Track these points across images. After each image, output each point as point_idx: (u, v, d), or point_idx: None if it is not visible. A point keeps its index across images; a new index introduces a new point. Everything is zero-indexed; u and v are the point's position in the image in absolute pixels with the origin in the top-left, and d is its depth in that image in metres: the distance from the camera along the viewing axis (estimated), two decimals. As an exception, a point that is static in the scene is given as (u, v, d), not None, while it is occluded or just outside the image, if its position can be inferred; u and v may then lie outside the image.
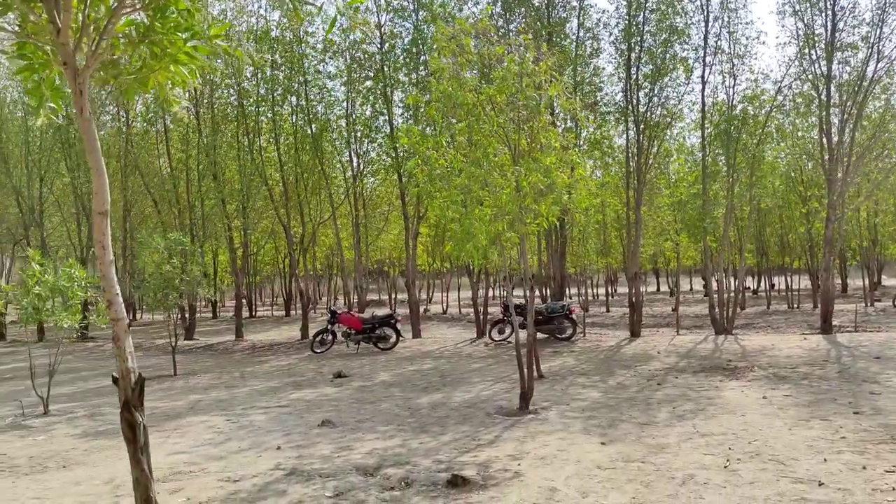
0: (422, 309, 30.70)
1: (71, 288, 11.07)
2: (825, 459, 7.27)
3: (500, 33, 19.24)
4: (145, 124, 26.87)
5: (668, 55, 20.33)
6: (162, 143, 26.68)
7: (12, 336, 28.62)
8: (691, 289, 52.60)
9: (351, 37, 23.27)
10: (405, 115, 23.50)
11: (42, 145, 27.35)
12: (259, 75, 24.18)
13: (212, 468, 7.88)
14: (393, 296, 42.87)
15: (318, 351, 19.70)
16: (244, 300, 36.48)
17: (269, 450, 8.63)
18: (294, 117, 24.66)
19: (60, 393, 13.78)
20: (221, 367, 17.80)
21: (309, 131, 23.99)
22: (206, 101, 25.08)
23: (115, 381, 5.12)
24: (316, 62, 23.97)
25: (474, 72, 11.35)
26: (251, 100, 24.39)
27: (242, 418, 10.78)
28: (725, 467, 7.12)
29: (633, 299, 20.95)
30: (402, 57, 22.45)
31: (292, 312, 39.06)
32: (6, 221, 29.30)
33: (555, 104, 17.63)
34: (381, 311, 22.74)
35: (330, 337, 19.95)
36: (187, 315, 25.89)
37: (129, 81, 4.34)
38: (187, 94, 24.48)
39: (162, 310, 16.83)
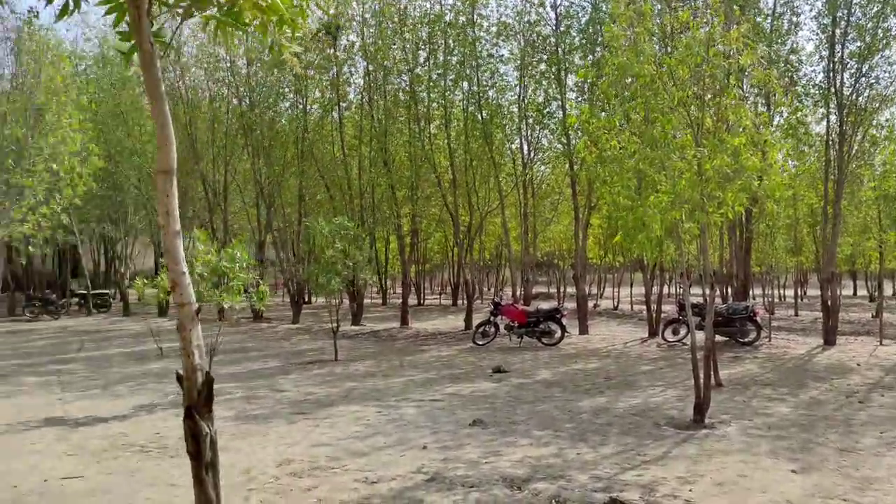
0: (591, 304, 29.52)
1: (232, 269, 11.03)
2: None
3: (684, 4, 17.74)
4: (321, 111, 27.27)
5: (880, 30, 17.96)
6: (336, 129, 27.03)
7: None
8: (894, 293, 47.65)
9: (525, 19, 22.53)
10: (579, 99, 22.46)
11: (227, 131, 28.55)
12: (431, 60, 23.91)
13: (352, 466, 7.40)
14: (561, 289, 41.72)
15: (480, 343, 19.11)
16: (413, 287, 36.72)
17: (414, 448, 8.07)
18: (465, 103, 24.20)
19: (225, 372, 13.89)
20: (382, 355, 17.62)
21: (479, 117, 23.42)
22: (378, 86, 25.13)
23: (179, 379, 4.31)
24: (489, 46, 23.38)
25: (654, 45, 10.26)
26: (422, 86, 24.16)
27: (394, 411, 10.33)
28: (953, 515, 5.78)
29: (829, 303, 18.81)
30: (577, 38, 21.43)
31: (459, 302, 38.93)
32: (194, 205, 30.79)
33: (743, 82, 16.04)
34: (547, 305, 21.84)
35: (492, 329, 19.29)
36: (356, 300, 26.12)
37: (219, 16, 3.68)
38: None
39: (325, 295, 16.85)
